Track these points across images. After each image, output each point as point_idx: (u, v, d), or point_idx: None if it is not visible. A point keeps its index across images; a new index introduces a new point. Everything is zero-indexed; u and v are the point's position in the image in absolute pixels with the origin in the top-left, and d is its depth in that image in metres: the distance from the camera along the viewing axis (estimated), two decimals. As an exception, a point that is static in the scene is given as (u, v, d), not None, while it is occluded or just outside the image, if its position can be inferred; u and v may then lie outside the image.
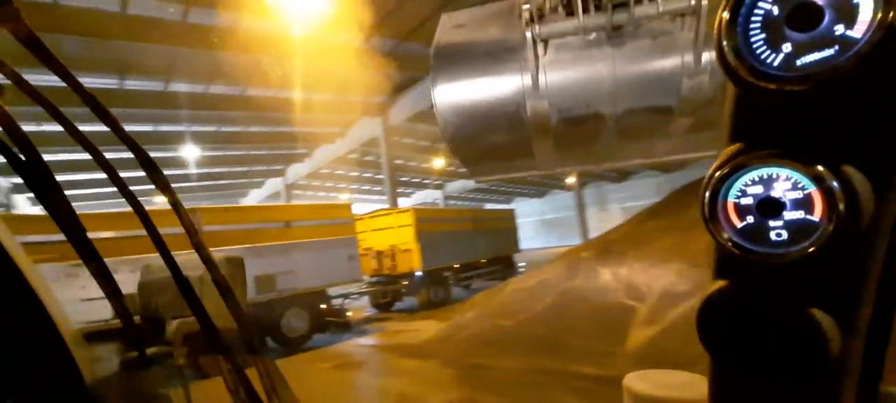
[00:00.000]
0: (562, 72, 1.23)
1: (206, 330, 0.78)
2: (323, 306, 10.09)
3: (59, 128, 0.77)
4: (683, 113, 1.16)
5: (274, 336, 9.32)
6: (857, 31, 0.42)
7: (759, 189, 0.49)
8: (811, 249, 0.46)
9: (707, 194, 0.51)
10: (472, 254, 15.19)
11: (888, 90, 0.43)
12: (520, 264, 18.35)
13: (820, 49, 0.43)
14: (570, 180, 29.79)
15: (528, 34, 1.17)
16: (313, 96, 13.95)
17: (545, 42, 1.21)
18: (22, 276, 0.65)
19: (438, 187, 34.11)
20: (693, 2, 1.00)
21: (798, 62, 0.44)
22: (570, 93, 1.24)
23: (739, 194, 0.51)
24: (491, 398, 5.46)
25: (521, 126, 1.30)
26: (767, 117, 0.49)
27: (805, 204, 0.47)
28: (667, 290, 6.27)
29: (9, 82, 0.70)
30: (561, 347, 6.33)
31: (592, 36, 1.19)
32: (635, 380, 1.32)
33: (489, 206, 39.40)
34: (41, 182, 0.70)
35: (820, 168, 0.45)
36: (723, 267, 0.54)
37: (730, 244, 0.51)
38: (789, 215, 0.48)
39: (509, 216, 19.01)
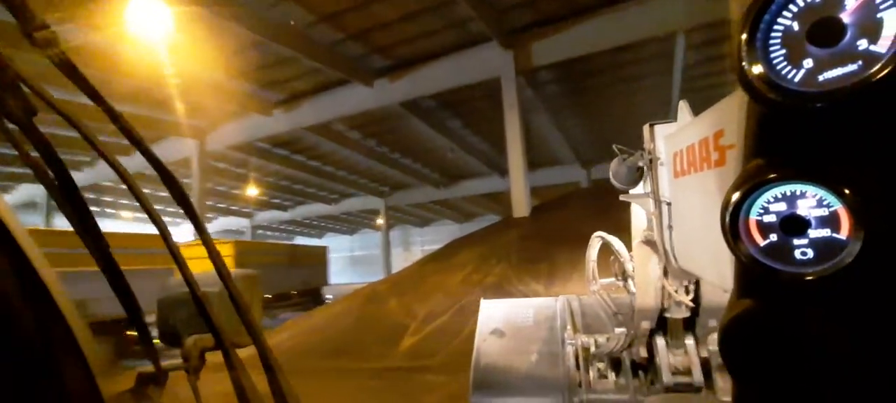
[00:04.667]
0: None
1: (221, 347, 0.79)
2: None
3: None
4: None
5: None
6: (882, 46, 0.41)
7: (782, 206, 0.48)
8: (839, 267, 0.44)
9: (728, 212, 0.50)
10: (285, 285, 16.88)
11: None
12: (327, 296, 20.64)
13: (842, 64, 0.43)
14: (379, 221, 31.35)
15: (577, 400, 1.18)
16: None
17: None
18: (43, 283, 0.58)
19: (247, 215, 32.91)
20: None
21: (820, 78, 0.44)
22: None
23: (761, 212, 0.49)
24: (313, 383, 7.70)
25: None
26: (789, 134, 0.47)
27: (831, 221, 0.46)
28: (429, 312, 9.54)
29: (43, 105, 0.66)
30: (359, 348, 8.95)
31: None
32: None
33: (299, 240, 38.82)
34: (70, 200, 0.70)
35: (845, 185, 0.44)
36: (746, 287, 0.52)
37: (753, 262, 0.49)
38: (814, 233, 0.47)
39: (322, 251, 21.38)
